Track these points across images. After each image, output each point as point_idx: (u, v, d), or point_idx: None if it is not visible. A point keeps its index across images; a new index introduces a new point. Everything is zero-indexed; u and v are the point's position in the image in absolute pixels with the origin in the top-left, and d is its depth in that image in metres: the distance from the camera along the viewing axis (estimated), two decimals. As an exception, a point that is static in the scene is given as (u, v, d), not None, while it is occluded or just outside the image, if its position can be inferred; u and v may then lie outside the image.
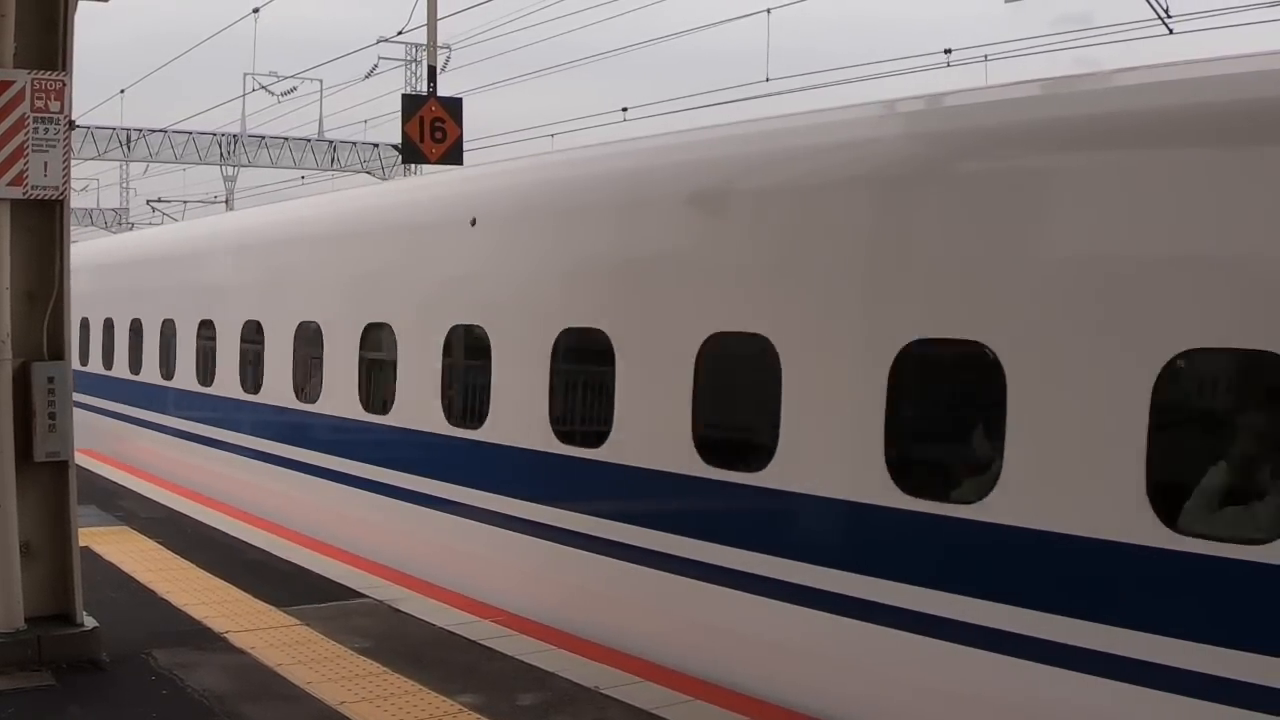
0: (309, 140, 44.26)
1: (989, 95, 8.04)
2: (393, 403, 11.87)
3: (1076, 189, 6.79)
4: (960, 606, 7.00)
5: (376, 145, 44.76)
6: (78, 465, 8.58)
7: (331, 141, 44.57)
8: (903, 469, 7.37)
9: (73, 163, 8.43)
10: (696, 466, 8.53)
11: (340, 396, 12.61)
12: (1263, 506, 6.11)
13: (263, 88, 41.49)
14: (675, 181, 9.39)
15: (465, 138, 17.81)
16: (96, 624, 8.39)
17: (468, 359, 11.17)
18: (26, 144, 8.10)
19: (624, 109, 31.21)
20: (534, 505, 9.96)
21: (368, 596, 10.31)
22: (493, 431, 10.48)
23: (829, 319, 8.02)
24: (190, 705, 7.58)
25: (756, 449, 8.26)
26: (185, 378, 16.50)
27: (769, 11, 27.80)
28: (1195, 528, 6.13)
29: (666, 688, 7.92)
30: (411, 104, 17.92)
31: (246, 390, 14.69)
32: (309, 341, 13.37)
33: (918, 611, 7.20)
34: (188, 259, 17.72)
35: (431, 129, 17.47)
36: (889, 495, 7.36)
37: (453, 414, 11.12)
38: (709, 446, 8.54)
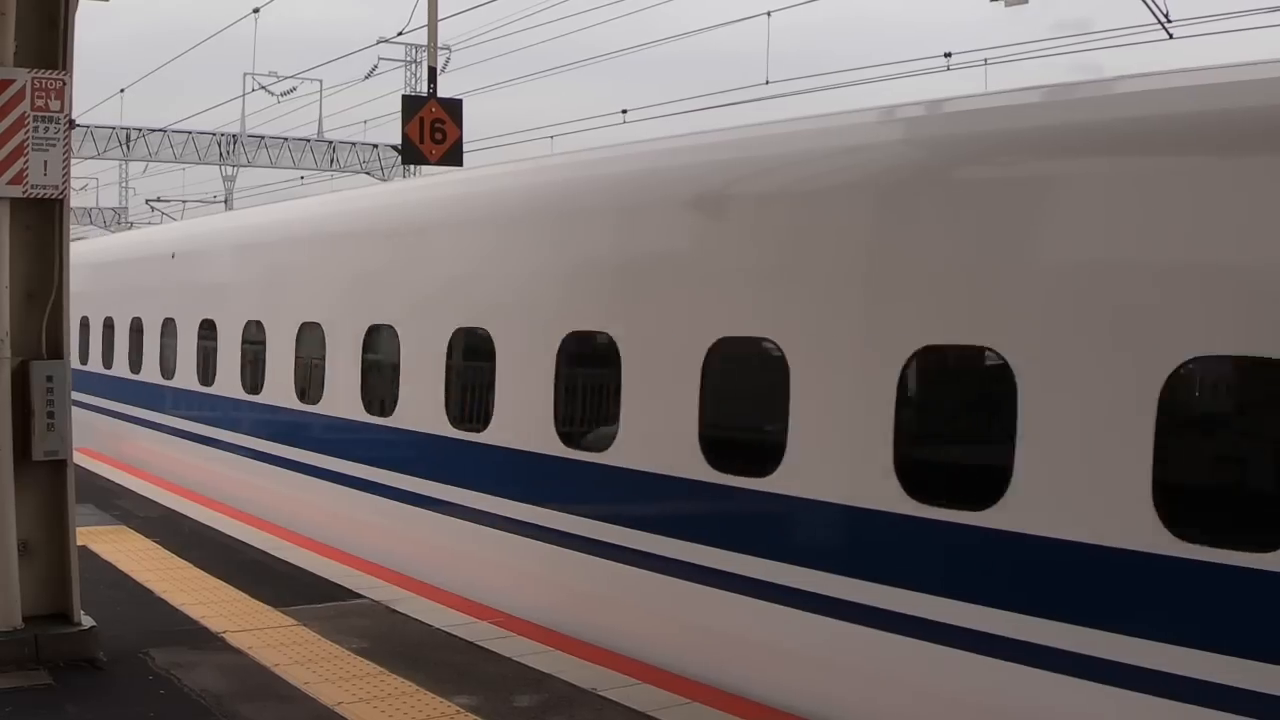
0: (308, 140, 44.23)
1: None
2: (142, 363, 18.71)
3: None
4: None
5: (376, 146, 44.75)
6: (75, 464, 8.58)
7: (331, 142, 44.53)
8: None
9: (72, 162, 8.44)
10: None
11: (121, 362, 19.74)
12: None
13: (262, 88, 41.45)
14: None
15: (465, 139, 17.83)
16: (94, 623, 8.40)
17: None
18: (26, 143, 8.10)
19: (624, 111, 31.09)
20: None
21: (365, 597, 10.32)
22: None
23: None
24: (187, 705, 7.58)
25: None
26: None
27: (769, 14, 27.80)
28: None
29: (664, 690, 7.92)
30: (411, 105, 17.90)
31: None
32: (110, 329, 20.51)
33: None
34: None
35: (432, 130, 17.46)
36: None
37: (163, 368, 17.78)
38: None
